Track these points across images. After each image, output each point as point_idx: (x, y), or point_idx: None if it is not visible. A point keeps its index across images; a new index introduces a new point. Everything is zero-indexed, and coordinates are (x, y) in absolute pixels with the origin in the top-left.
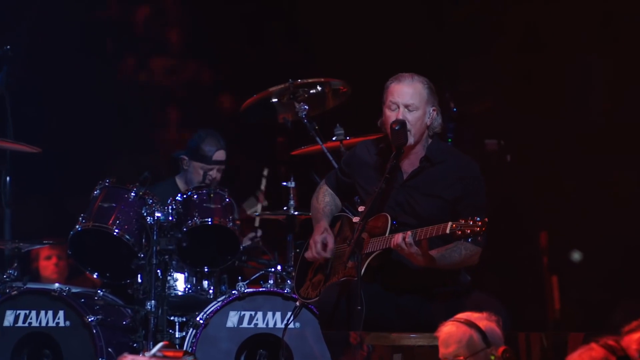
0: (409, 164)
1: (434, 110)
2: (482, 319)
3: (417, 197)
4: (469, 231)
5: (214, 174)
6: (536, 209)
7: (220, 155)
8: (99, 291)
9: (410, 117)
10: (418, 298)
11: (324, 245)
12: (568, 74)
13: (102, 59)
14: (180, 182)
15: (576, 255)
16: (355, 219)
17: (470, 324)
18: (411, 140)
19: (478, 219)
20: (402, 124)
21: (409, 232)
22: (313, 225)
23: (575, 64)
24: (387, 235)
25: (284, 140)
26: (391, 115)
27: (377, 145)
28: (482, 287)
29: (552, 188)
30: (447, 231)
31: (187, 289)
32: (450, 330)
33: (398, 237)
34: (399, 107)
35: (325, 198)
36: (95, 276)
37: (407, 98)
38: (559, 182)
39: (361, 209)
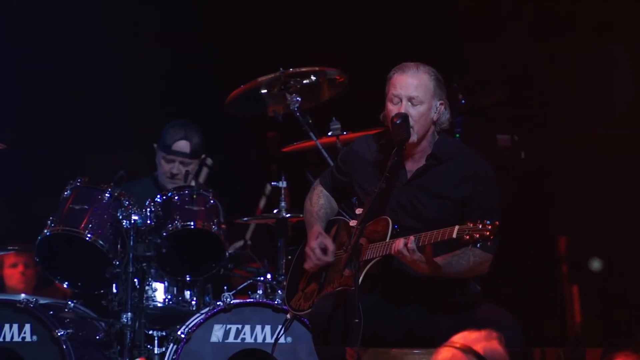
0: (414, 162)
1: (441, 104)
2: (480, 341)
3: (422, 198)
4: (477, 236)
5: (176, 167)
6: (554, 211)
7: (181, 146)
8: (69, 302)
9: (414, 112)
10: (422, 310)
11: (324, 250)
12: (589, 63)
13: (71, 47)
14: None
15: (596, 264)
16: (353, 223)
17: (466, 349)
18: (414, 137)
19: (488, 222)
20: (403, 117)
21: (412, 237)
22: (307, 231)
23: (598, 51)
24: (387, 240)
25: (275, 135)
26: (393, 110)
27: (378, 140)
28: (494, 297)
29: (571, 188)
30: (454, 235)
31: (167, 299)
32: (445, 358)
33: (399, 243)
34: (401, 101)
35: (319, 200)
36: (65, 286)
37: (411, 90)
38: (580, 182)
39: (359, 211)
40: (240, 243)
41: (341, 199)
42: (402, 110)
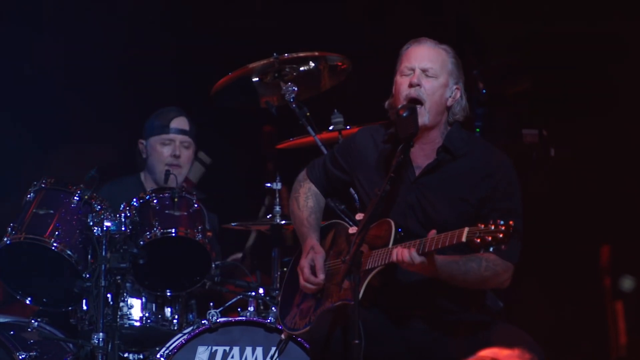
0: (423, 156)
1: (457, 88)
2: (512, 358)
3: (432, 199)
4: (489, 238)
5: (179, 149)
6: (593, 217)
7: (180, 122)
8: (32, 321)
9: (428, 85)
10: (432, 329)
11: (312, 269)
12: (632, 43)
13: (36, 30)
14: (146, 180)
15: (628, 283)
16: (353, 230)
17: None
18: (426, 119)
19: (501, 222)
20: (411, 109)
21: (416, 243)
22: (299, 239)
23: None
24: (390, 247)
25: (268, 130)
26: (403, 82)
27: (385, 131)
28: (525, 314)
29: (613, 191)
30: (463, 239)
31: (144, 318)
32: None
33: (398, 252)
34: (414, 71)
35: (307, 202)
36: (28, 302)
37: (426, 61)
38: (623, 183)
39: (359, 216)
40: (238, 256)
41: (332, 195)
42: (415, 80)
